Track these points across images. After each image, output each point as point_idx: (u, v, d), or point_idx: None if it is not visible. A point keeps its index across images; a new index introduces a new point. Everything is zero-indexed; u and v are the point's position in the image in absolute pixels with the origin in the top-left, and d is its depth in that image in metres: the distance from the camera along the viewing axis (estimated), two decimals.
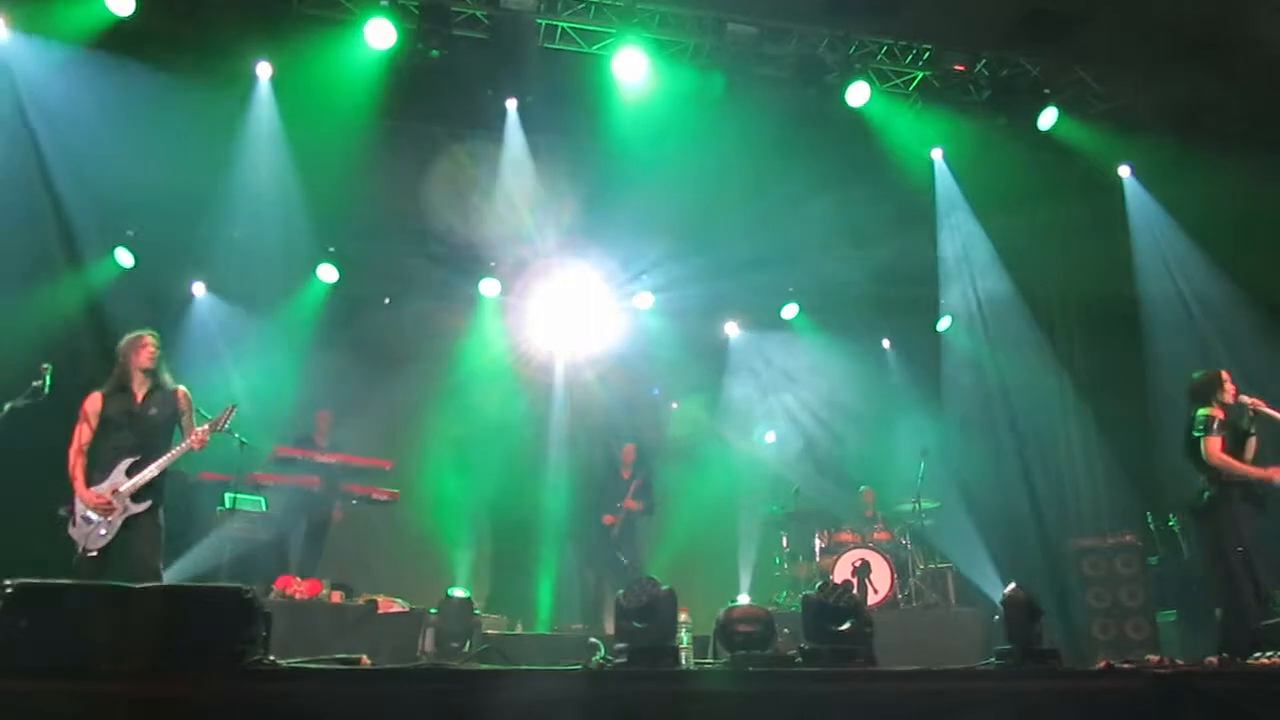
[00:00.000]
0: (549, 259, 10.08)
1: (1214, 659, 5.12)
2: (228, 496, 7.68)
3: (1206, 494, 6.01)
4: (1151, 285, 9.60)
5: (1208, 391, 6.15)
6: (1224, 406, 6.07)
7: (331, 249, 10.01)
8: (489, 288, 10.71)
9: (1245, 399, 6.09)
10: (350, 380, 9.78)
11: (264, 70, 8.60)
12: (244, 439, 6.75)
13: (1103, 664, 4.84)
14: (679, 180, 9.13)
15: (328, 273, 10.11)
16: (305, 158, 8.72)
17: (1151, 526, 9.46)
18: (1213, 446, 5.93)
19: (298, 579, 7.18)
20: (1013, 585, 4.75)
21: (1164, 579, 9.07)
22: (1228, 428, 6.01)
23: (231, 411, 5.88)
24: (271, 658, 4.03)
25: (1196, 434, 6.03)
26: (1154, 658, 4.67)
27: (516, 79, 8.72)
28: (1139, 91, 9.29)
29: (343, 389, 9.66)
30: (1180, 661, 4.62)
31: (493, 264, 10.49)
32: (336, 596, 7.22)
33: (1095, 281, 10.14)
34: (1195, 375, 6.35)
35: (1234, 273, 8.75)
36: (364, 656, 4.46)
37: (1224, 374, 6.21)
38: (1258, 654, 4.70)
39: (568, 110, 9.08)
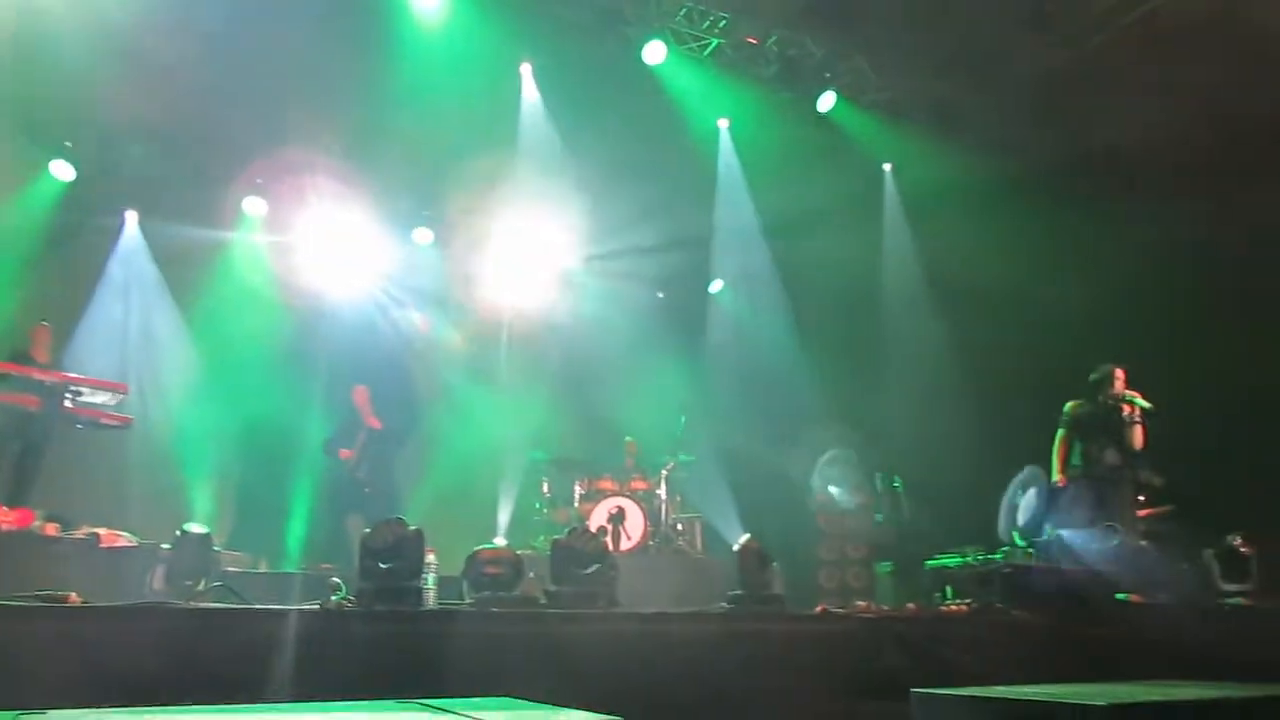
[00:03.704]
0: (315, 180, 9.46)
1: (913, 605, 5.74)
2: None
3: None
4: (892, 271, 10.46)
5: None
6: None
7: (68, 144, 8.91)
8: (254, 206, 9.98)
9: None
10: (87, 297, 8.85)
11: None
12: None
13: (820, 609, 5.32)
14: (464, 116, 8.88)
15: (62, 170, 9.00)
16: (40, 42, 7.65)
17: (879, 487, 10.40)
18: None
19: (4, 508, 6.48)
20: (747, 536, 5.09)
21: (886, 535, 10.02)
22: None
23: None
24: None
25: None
26: (863, 604, 5.17)
27: None
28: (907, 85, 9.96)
29: (76, 305, 8.73)
30: (885, 607, 5.15)
31: (259, 181, 9.78)
32: (51, 529, 6.56)
33: (848, 262, 10.87)
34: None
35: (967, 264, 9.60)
36: (72, 594, 4.09)
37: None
38: (946, 601, 5.31)
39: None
